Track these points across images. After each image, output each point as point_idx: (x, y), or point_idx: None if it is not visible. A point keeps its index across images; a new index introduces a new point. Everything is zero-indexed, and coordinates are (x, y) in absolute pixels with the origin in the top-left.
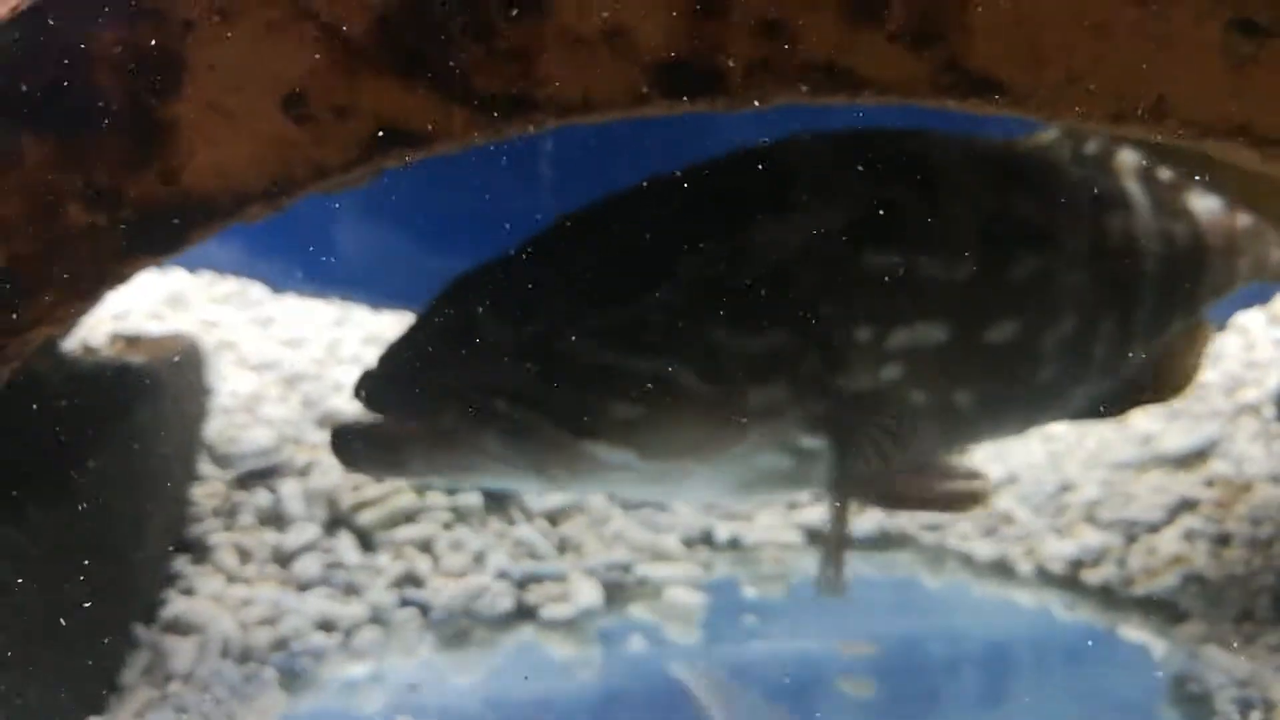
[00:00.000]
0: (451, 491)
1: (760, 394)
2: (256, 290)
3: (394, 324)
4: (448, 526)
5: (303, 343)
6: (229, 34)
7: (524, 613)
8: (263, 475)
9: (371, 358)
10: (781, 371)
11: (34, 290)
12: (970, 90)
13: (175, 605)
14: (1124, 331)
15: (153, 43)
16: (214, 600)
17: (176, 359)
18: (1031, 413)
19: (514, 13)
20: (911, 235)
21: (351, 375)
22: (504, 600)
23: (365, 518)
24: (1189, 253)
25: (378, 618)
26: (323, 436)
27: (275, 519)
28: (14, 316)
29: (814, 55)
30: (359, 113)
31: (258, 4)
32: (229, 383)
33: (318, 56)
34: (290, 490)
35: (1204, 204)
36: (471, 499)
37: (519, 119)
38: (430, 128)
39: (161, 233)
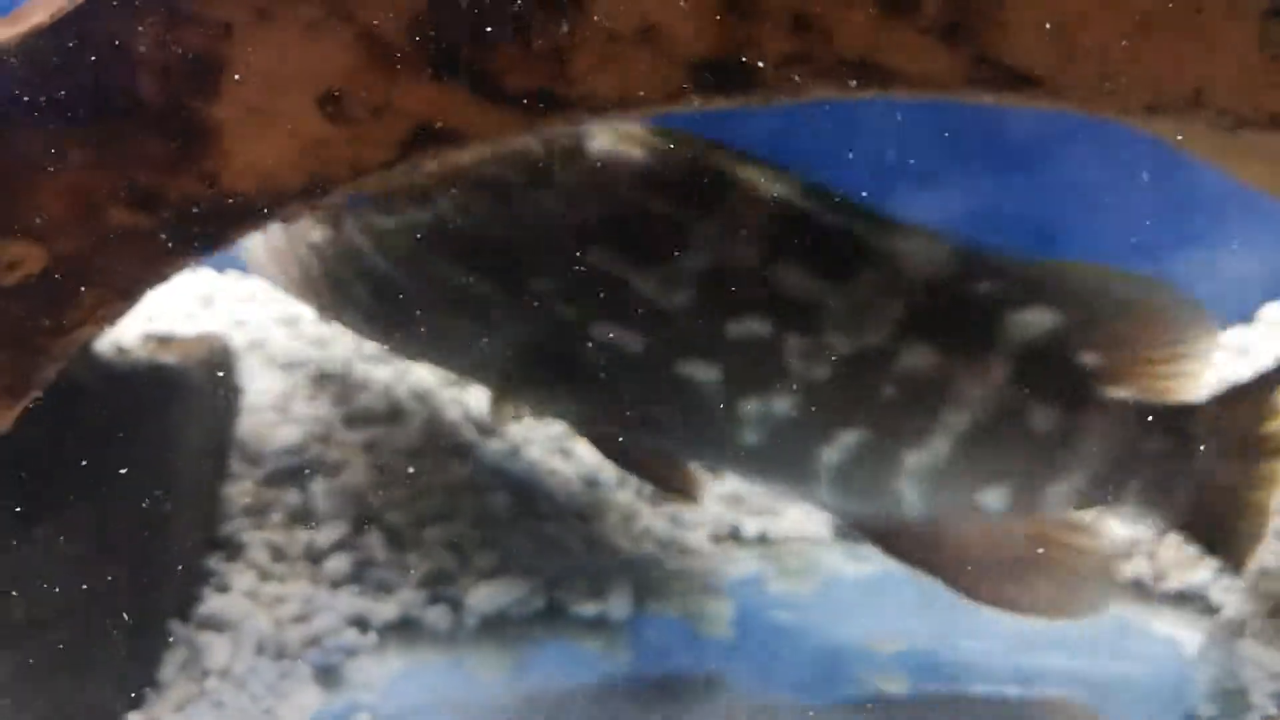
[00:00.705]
0: (481, 489)
1: None
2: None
3: None
4: (476, 524)
5: (330, 341)
6: (267, 35)
7: (555, 611)
8: (293, 473)
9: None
10: None
11: (76, 291)
12: (1004, 84)
13: (210, 603)
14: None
15: (193, 45)
16: (248, 597)
17: (207, 358)
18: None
19: (548, 11)
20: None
21: (377, 373)
22: (535, 598)
23: (394, 516)
24: None
25: (409, 616)
26: (352, 435)
27: (306, 517)
28: (57, 317)
29: (847, 50)
30: (395, 112)
31: (296, 5)
32: (258, 381)
33: (354, 57)
34: (320, 488)
35: None
36: (500, 497)
37: (554, 117)
38: (466, 127)
39: (202, 233)
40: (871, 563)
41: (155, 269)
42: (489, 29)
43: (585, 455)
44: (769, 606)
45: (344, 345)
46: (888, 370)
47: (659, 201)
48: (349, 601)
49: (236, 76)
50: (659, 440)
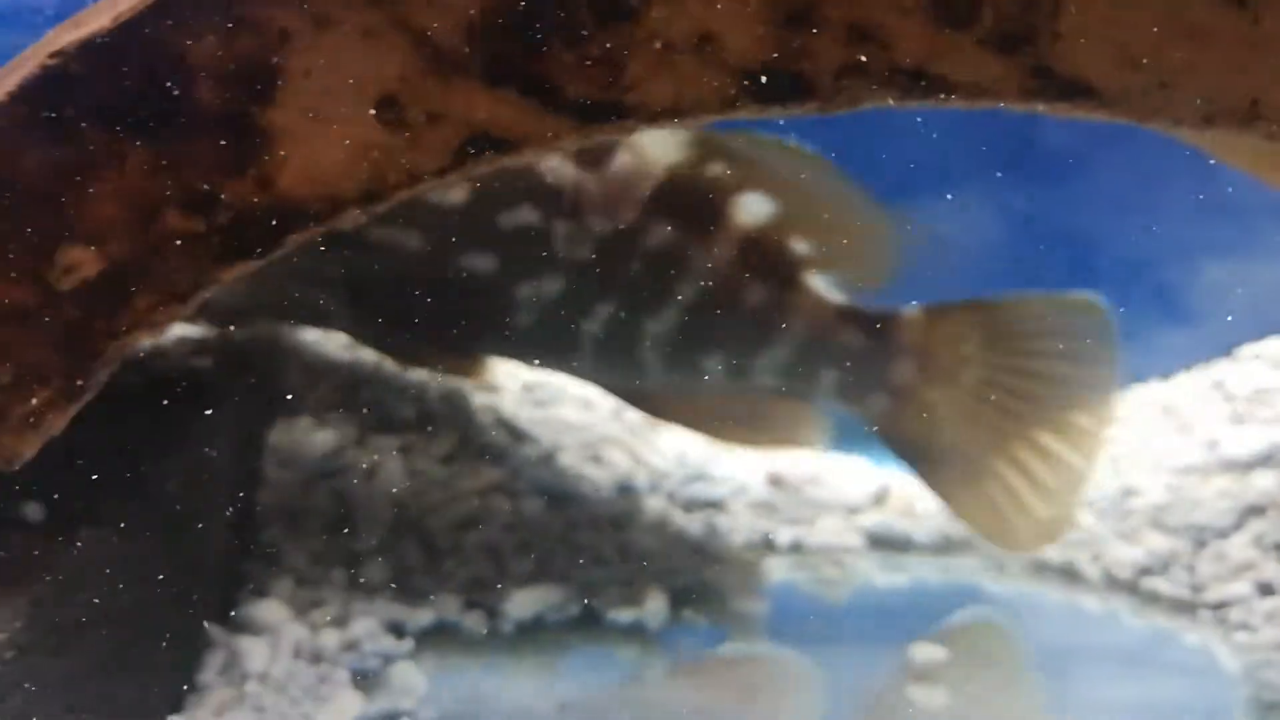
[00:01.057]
0: (514, 495)
1: None
2: None
3: None
4: (511, 530)
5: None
6: (325, 42)
7: (590, 617)
8: (327, 478)
9: None
10: None
11: (131, 294)
12: (1059, 94)
13: (246, 606)
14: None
15: (250, 51)
16: (284, 602)
17: (244, 362)
18: None
19: (604, 20)
20: None
21: (410, 380)
22: (571, 605)
23: (429, 522)
24: None
25: (446, 621)
26: (386, 441)
27: (340, 522)
28: (112, 320)
29: (903, 60)
30: (451, 118)
31: (353, 12)
32: (292, 385)
33: (411, 63)
34: (355, 494)
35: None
36: (535, 504)
37: (608, 125)
38: (521, 134)
39: (257, 237)
40: (905, 572)
41: (210, 273)
42: (545, 37)
43: (618, 461)
44: (803, 614)
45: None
46: (636, 247)
47: None
48: (386, 607)
49: (293, 82)
50: (442, 335)
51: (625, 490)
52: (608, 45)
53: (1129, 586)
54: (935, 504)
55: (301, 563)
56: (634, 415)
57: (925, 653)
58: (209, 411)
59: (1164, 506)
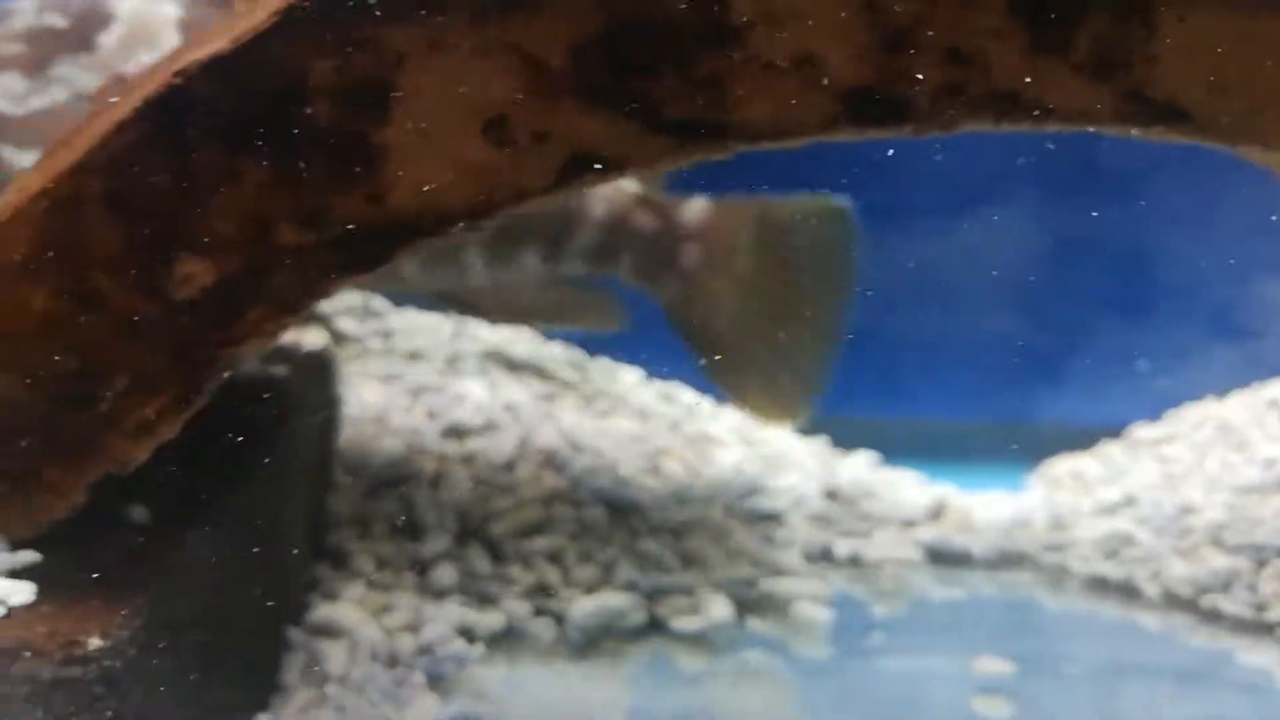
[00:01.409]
0: (576, 504)
1: None
2: (378, 302)
3: (511, 338)
4: (574, 538)
5: (423, 355)
6: (437, 64)
7: (655, 625)
8: (394, 484)
9: (493, 371)
10: None
11: (243, 305)
12: (1154, 118)
13: (321, 609)
14: None
15: (366, 72)
16: (357, 605)
17: (312, 369)
18: None
19: (708, 42)
20: None
21: (473, 389)
22: (636, 613)
23: (494, 528)
24: None
25: (514, 627)
26: (450, 447)
27: (408, 527)
28: (224, 330)
29: (999, 84)
30: (557, 138)
31: (465, 34)
32: (357, 393)
33: (519, 84)
34: (422, 499)
35: None
36: (597, 512)
37: (709, 145)
38: (624, 154)
39: (366, 252)
40: (963, 586)
41: (319, 286)
42: (649, 59)
43: (676, 472)
44: (864, 626)
45: (436, 359)
46: None
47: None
48: (456, 611)
49: (406, 102)
50: None
51: (684, 501)
52: (710, 66)
53: (1188, 605)
54: (992, 518)
55: (370, 567)
56: (691, 428)
57: (989, 666)
58: (282, 416)
59: (1223, 525)
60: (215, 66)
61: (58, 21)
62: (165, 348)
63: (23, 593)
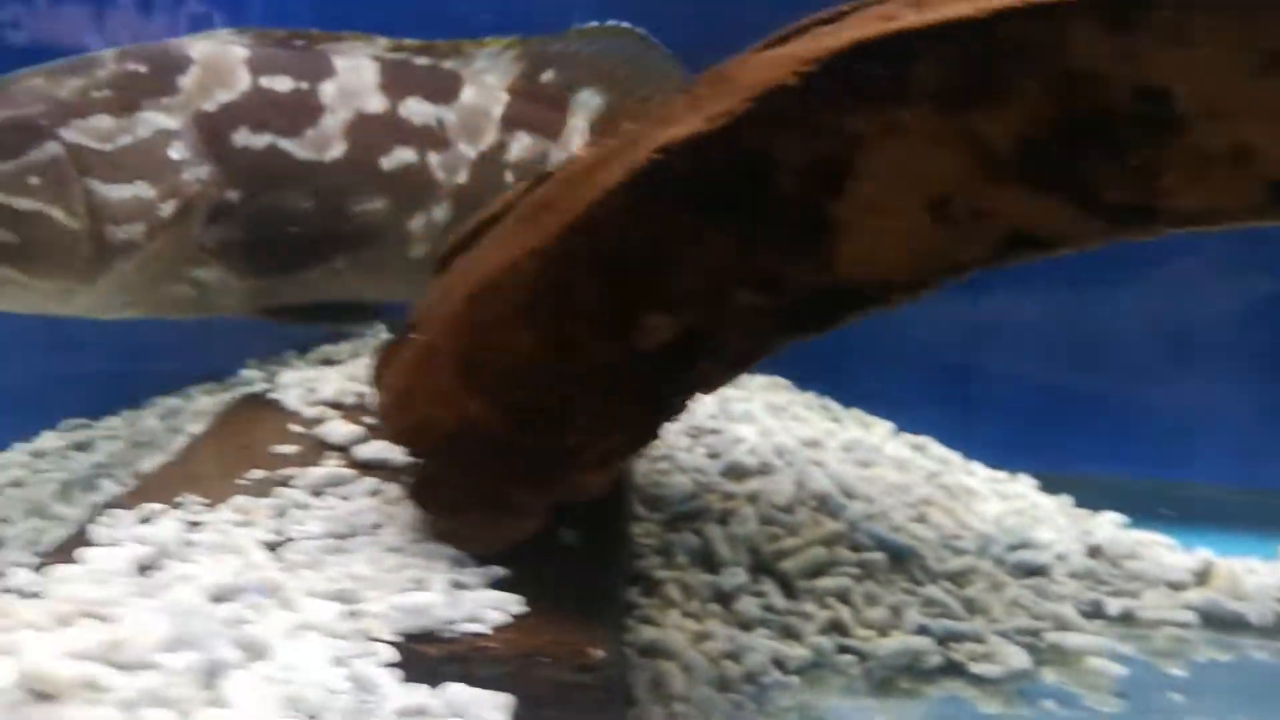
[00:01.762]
0: (856, 547)
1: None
2: None
3: (768, 383)
4: (858, 580)
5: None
6: (892, 145)
7: (953, 668)
8: (689, 518)
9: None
10: None
11: (695, 358)
12: None
13: (644, 631)
14: None
15: (827, 152)
16: (677, 630)
17: None
18: None
19: (1148, 133)
20: None
21: (747, 432)
22: (933, 655)
23: (785, 565)
24: None
25: (820, 660)
26: (732, 486)
27: (705, 560)
28: (676, 380)
29: None
30: (996, 217)
31: (922, 121)
32: None
33: (966, 166)
34: (715, 534)
35: None
36: (876, 556)
37: (1139, 227)
38: (1059, 233)
39: (813, 314)
40: (1236, 651)
41: (765, 344)
42: (1090, 147)
43: (943, 522)
44: (1158, 684)
45: (708, 401)
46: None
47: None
48: (766, 643)
49: (860, 180)
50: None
51: (956, 551)
52: (1148, 155)
53: None
54: (1262, 585)
55: (679, 594)
56: (949, 479)
57: None
58: None
59: None
60: (694, 144)
61: (140, 68)
62: (627, 392)
63: (515, 604)
